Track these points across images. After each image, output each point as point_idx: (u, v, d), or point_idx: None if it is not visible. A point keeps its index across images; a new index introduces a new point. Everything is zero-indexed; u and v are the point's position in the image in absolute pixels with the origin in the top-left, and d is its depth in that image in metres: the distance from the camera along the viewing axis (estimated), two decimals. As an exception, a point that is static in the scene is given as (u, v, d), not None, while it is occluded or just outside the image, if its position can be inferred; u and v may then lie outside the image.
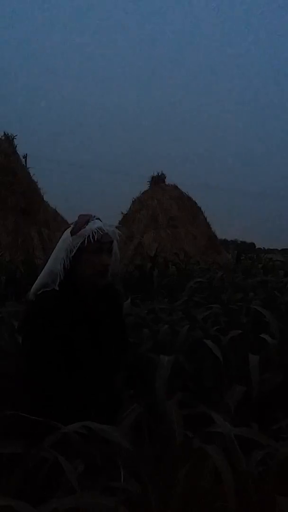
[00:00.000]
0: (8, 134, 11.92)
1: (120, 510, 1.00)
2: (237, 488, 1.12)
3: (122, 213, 15.08)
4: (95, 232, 1.63)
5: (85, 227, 1.65)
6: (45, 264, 1.71)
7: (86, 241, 1.63)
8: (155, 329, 2.49)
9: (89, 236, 1.62)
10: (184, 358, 2.12)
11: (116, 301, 1.92)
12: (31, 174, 12.08)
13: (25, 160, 12.22)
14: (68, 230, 1.68)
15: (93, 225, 1.65)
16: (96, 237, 1.63)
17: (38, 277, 1.68)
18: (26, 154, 12.27)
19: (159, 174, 15.52)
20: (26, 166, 12.19)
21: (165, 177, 15.57)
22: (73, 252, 1.63)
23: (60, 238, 1.70)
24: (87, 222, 1.66)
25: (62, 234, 1.71)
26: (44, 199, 12.25)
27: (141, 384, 1.83)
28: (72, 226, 1.69)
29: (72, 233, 1.66)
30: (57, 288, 1.64)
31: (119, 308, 1.96)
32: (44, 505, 0.96)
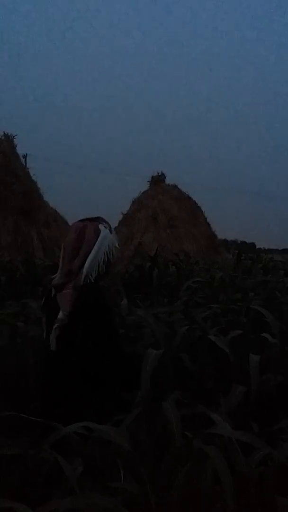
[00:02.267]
0: (8, 134, 11.92)
1: (120, 511, 1.00)
2: (237, 488, 1.12)
3: (122, 213, 15.11)
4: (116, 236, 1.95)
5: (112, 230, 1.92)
6: (85, 254, 1.83)
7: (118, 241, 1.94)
8: (155, 329, 2.49)
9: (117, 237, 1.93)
10: (185, 358, 2.11)
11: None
12: (31, 174, 12.10)
13: (25, 160, 12.24)
14: (105, 228, 1.87)
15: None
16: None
17: (85, 266, 1.82)
18: (26, 154, 12.30)
19: (159, 174, 15.54)
20: (26, 166, 12.20)
21: (165, 177, 15.59)
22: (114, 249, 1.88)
23: (96, 232, 1.84)
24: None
25: (96, 229, 1.86)
26: (44, 199, 12.26)
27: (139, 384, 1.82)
28: (104, 225, 1.88)
29: (111, 232, 1.90)
30: (93, 281, 1.82)
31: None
32: (44, 505, 0.95)
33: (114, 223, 14.88)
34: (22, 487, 1.13)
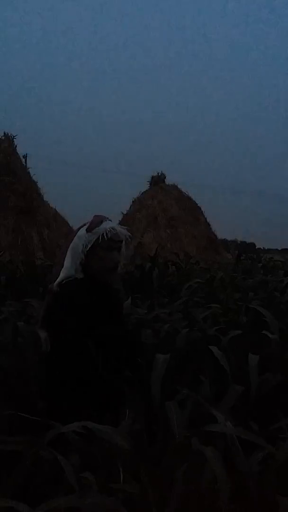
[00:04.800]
0: (8, 134, 11.92)
1: (120, 510, 1.00)
2: (238, 488, 1.12)
3: (122, 213, 15.10)
4: (108, 231, 1.80)
5: (99, 226, 1.81)
6: (61, 258, 1.86)
7: (100, 238, 1.79)
8: (156, 329, 2.49)
9: (102, 234, 1.79)
10: (184, 358, 2.11)
11: (118, 297, 2.09)
12: (31, 174, 12.09)
13: (25, 160, 12.22)
14: (84, 228, 1.84)
15: (107, 225, 1.82)
16: (109, 235, 1.80)
17: (61, 271, 1.82)
18: (26, 154, 12.28)
19: (159, 174, 15.52)
20: (26, 166, 12.19)
21: (165, 177, 15.57)
22: (88, 248, 1.79)
23: (75, 235, 1.86)
24: (101, 221, 1.83)
25: (77, 231, 1.87)
26: (44, 199, 12.26)
27: (140, 384, 1.82)
28: (87, 224, 1.84)
29: (88, 230, 1.82)
30: (79, 277, 1.80)
31: (120, 304, 2.15)
32: (43, 505, 0.95)
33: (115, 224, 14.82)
34: (22, 486, 1.13)
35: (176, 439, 1.26)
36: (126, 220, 14.43)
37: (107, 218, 1.89)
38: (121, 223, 14.67)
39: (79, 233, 1.84)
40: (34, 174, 12.14)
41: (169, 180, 15.63)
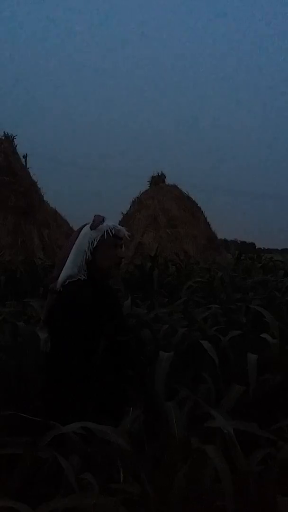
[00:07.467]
0: (8, 134, 11.92)
1: (120, 510, 1.00)
2: (238, 488, 1.12)
3: (122, 213, 15.09)
4: (112, 228, 1.86)
5: (103, 223, 1.86)
6: (63, 259, 1.86)
7: (105, 235, 1.84)
8: (156, 329, 2.49)
9: (107, 230, 1.84)
10: (184, 358, 2.11)
11: (115, 295, 2.15)
12: (31, 174, 12.09)
13: (25, 160, 12.22)
14: (87, 226, 1.87)
15: (109, 222, 1.88)
16: (113, 232, 1.85)
17: (63, 270, 1.83)
18: (26, 154, 12.28)
19: (159, 174, 15.52)
20: (26, 166, 12.19)
21: (165, 177, 15.57)
22: (94, 244, 1.83)
23: (78, 233, 1.88)
24: (103, 220, 1.88)
25: (79, 231, 1.89)
26: (44, 199, 12.26)
27: (140, 384, 1.83)
28: (90, 223, 1.88)
29: (92, 228, 1.86)
30: (82, 278, 1.81)
31: (118, 302, 2.19)
32: (44, 505, 0.95)
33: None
34: (22, 486, 1.13)
35: (176, 438, 1.26)
36: (126, 220, 14.43)
37: (106, 218, 1.93)
38: (121, 223, 14.72)
39: (84, 231, 1.86)
40: (34, 174, 12.15)
41: (169, 180, 15.65)
